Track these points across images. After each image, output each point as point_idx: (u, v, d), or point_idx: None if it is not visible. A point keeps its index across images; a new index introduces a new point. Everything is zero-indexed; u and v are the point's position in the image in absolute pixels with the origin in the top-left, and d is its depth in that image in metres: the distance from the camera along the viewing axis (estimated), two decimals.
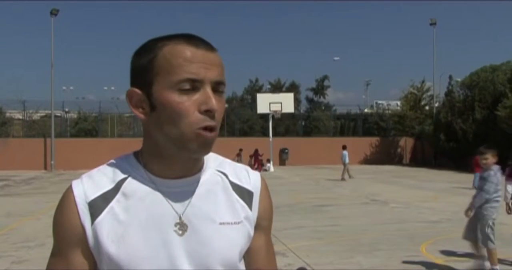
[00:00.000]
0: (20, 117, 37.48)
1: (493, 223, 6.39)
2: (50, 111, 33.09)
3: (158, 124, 1.15)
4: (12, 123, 37.03)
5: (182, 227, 1.17)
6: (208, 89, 1.13)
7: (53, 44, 32.24)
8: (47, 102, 33.33)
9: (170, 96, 1.12)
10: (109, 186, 1.19)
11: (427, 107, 38.52)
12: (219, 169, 1.28)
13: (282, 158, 35.18)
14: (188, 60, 1.12)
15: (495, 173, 6.47)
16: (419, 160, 36.42)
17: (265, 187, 1.33)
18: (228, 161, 1.33)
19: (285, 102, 31.14)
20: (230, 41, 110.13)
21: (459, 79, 34.25)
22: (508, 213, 7.29)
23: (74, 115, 39.69)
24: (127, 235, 1.14)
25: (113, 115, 38.60)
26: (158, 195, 1.18)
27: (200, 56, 1.13)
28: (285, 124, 40.53)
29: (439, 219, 10.90)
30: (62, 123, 37.33)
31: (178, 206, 1.19)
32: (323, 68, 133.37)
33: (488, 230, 6.36)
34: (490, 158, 6.63)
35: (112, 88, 75.93)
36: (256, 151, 30.90)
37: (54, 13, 32.08)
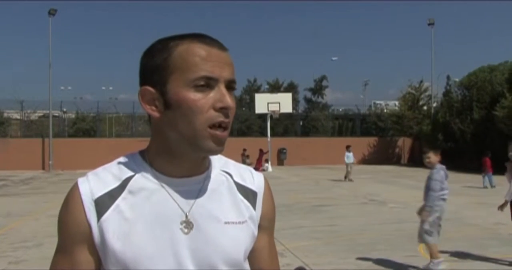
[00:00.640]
0: (18, 117, 37.41)
1: (439, 219, 6.46)
2: (48, 111, 33.08)
3: (173, 122, 1.16)
4: (10, 124, 36.93)
5: (188, 225, 1.18)
6: (223, 87, 1.15)
7: (51, 44, 32.23)
8: (45, 102, 33.32)
9: (185, 93, 1.13)
10: (115, 184, 1.19)
11: (425, 108, 38.54)
12: (224, 169, 1.30)
13: (280, 158, 35.18)
14: (204, 58, 1.14)
15: (438, 171, 6.53)
16: (417, 160, 36.37)
17: (268, 188, 1.35)
18: (232, 161, 1.35)
19: (283, 103, 31.14)
20: (229, 41, 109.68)
21: (457, 79, 34.28)
22: (499, 210, 7.30)
23: (72, 115, 39.61)
24: (133, 233, 1.15)
25: (111, 116, 38.58)
26: (164, 193, 1.19)
27: (215, 55, 1.16)
28: (283, 125, 40.52)
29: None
30: (60, 123, 37.27)
31: (184, 205, 1.19)
32: (321, 68, 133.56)
33: (427, 226, 6.43)
34: (432, 157, 6.68)
35: (110, 88, 76.12)
36: (261, 150, 30.87)
37: (52, 13, 32.03)
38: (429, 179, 6.60)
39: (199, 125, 1.13)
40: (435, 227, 6.48)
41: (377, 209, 12.81)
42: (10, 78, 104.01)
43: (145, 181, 1.20)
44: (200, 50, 1.15)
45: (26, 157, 30.78)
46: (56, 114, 36.96)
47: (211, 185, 1.24)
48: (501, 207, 7.30)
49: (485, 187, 18.34)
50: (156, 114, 1.18)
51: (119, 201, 1.17)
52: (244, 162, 29.53)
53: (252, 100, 36.10)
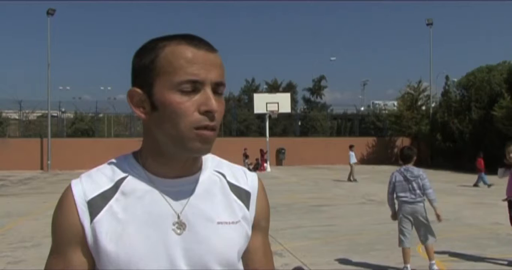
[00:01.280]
0: (17, 117, 37.37)
1: (402, 220, 6.51)
2: (46, 111, 33.03)
3: (159, 124, 1.16)
4: (8, 124, 36.92)
5: (180, 226, 1.18)
6: (208, 90, 1.14)
7: (49, 44, 32.22)
8: (44, 102, 33.26)
9: (171, 96, 1.13)
10: (108, 185, 1.19)
11: (423, 108, 38.55)
12: (217, 170, 1.29)
13: (279, 158, 35.16)
14: (189, 61, 1.13)
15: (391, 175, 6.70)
16: (416, 160, 36.40)
17: (262, 188, 1.34)
18: (226, 162, 1.35)
19: (282, 103, 31.12)
20: (227, 41, 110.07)
21: (455, 80, 34.32)
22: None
23: (70, 115, 39.59)
24: (126, 234, 1.15)
25: (109, 115, 38.58)
26: (157, 194, 1.19)
27: (201, 57, 1.14)
28: (282, 125, 40.52)
29: (435, 219, 10.89)
30: (59, 123, 37.23)
31: (177, 205, 1.19)
32: (320, 68, 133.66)
33: (398, 229, 6.57)
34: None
35: (109, 88, 76.08)
36: (262, 150, 30.87)
37: (50, 13, 31.99)
38: None
39: (184, 128, 1.13)
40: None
41: (376, 209, 12.81)
42: (9, 78, 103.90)
43: (137, 182, 1.20)
44: (186, 52, 1.14)
45: (24, 157, 30.74)
46: (55, 114, 36.93)
47: (203, 185, 1.24)
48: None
49: (476, 186, 18.58)
50: (143, 116, 1.19)
51: (112, 202, 1.17)
52: (244, 163, 29.53)
53: (251, 100, 36.07)
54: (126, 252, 1.14)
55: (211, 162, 1.30)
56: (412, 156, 6.71)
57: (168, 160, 1.20)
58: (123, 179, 1.20)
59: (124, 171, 1.22)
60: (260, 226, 1.31)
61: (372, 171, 27.50)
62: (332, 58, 68.75)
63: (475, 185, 18.82)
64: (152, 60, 1.16)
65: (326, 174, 26.15)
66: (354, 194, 16.38)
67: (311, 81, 50.59)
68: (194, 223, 1.19)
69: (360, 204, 13.90)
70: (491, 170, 23.98)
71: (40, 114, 38.18)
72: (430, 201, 6.44)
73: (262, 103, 31.09)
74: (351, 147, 22.10)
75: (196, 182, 1.24)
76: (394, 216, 6.70)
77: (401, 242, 6.50)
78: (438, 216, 6.51)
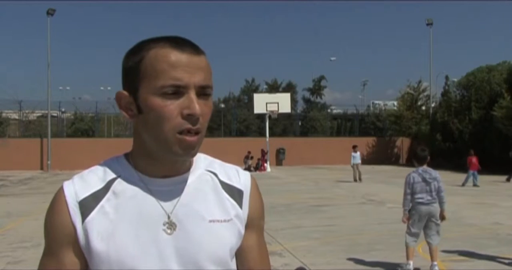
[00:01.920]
0: (17, 117, 37.39)
1: (416, 220, 6.57)
2: (46, 111, 33.04)
3: (145, 126, 1.17)
4: (8, 124, 36.92)
5: (170, 226, 1.18)
6: (192, 94, 1.13)
7: (49, 44, 32.26)
8: (44, 102, 33.28)
9: (154, 100, 1.13)
10: (99, 185, 1.20)
11: (423, 108, 38.58)
12: (208, 169, 1.30)
13: (279, 158, 35.16)
14: (172, 65, 1.13)
15: (407, 176, 6.71)
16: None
17: (255, 186, 1.34)
18: (218, 161, 1.35)
19: (282, 103, 31.12)
20: (227, 41, 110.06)
21: (455, 80, 34.34)
22: None
23: (70, 115, 39.60)
24: (117, 233, 1.16)
25: (109, 115, 38.60)
26: (148, 194, 1.20)
27: (185, 60, 1.14)
28: (282, 125, 40.55)
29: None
30: (59, 123, 37.25)
31: (167, 205, 1.20)
32: (319, 68, 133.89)
33: (408, 228, 6.65)
34: None
35: (109, 88, 75.72)
36: (263, 150, 30.89)
37: (50, 13, 32.00)
38: None
39: (167, 132, 1.13)
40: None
41: (376, 209, 12.82)
42: (9, 78, 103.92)
43: (129, 182, 1.21)
44: (169, 55, 1.14)
45: (24, 157, 30.75)
46: (55, 115, 36.93)
47: (194, 184, 1.24)
48: None
49: (475, 185, 18.57)
50: (130, 118, 1.20)
51: (103, 202, 1.18)
52: (245, 163, 29.52)
53: (251, 101, 36.10)
54: (117, 251, 1.14)
55: (203, 162, 1.30)
56: (427, 157, 6.74)
57: (157, 160, 1.20)
58: (114, 179, 1.21)
59: (115, 171, 1.23)
60: (254, 224, 1.31)
61: (372, 171, 27.49)
62: (332, 58, 68.93)
63: (475, 185, 18.86)
64: (137, 63, 1.17)
65: (326, 174, 26.15)
66: (354, 194, 16.38)
67: (311, 81, 50.70)
68: (185, 222, 1.19)
69: (360, 204, 13.90)
70: (492, 169, 24.03)
71: (40, 114, 38.18)
72: (441, 203, 6.56)
73: (262, 103, 31.09)
74: (354, 147, 21.78)
75: (186, 181, 1.24)
76: (406, 219, 6.67)
77: (409, 241, 6.57)
78: (443, 217, 6.64)
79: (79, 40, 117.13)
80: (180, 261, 1.17)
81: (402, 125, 37.27)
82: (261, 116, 34.23)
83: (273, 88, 46.84)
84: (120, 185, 1.20)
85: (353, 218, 11.27)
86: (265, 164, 30.33)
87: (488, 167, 25.92)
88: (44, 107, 33.63)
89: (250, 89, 47.76)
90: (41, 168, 31.40)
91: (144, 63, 1.15)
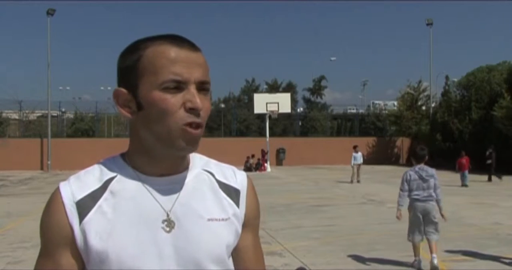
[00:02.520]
0: (17, 117, 37.41)
1: (414, 217, 6.79)
2: (46, 112, 33.06)
3: (146, 123, 1.17)
4: (8, 124, 36.95)
5: (169, 224, 1.18)
6: (193, 88, 1.15)
7: (49, 44, 32.28)
8: (44, 102, 33.31)
9: (155, 95, 1.14)
10: (96, 185, 1.20)
11: (423, 108, 38.60)
12: (205, 168, 1.30)
13: (279, 158, 35.18)
14: (172, 60, 1.14)
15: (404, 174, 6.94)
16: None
17: (251, 186, 1.34)
18: (214, 161, 1.35)
19: (282, 103, 31.14)
20: (227, 41, 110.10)
21: (455, 80, 34.37)
22: None
23: (70, 115, 39.64)
24: (115, 232, 1.15)
25: (109, 115, 38.63)
26: (146, 193, 1.20)
27: (183, 56, 1.15)
28: (282, 125, 40.57)
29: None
30: (59, 123, 37.28)
31: (166, 203, 1.20)
32: (320, 68, 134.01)
33: (409, 225, 6.84)
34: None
35: (109, 88, 75.66)
36: (263, 150, 30.91)
37: (50, 13, 32.02)
38: None
39: (171, 125, 1.14)
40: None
41: (376, 209, 12.81)
42: (9, 78, 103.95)
43: (126, 181, 1.20)
44: (169, 52, 1.15)
45: (24, 157, 30.76)
46: (55, 115, 36.96)
47: (192, 183, 1.25)
48: None
49: (465, 185, 18.61)
50: (129, 116, 1.20)
51: (101, 202, 1.18)
52: (246, 163, 29.50)
53: (251, 100, 36.12)
54: (116, 251, 1.14)
55: (199, 161, 1.30)
56: (426, 156, 6.94)
57: (155, 158, 1.20)
58: (111, 178, 1.21)
59: (112, 171, 1.22)
60: (250, 224, 1.32)
61: (372, 171, 27.49)
62: (332, 58, 69.17)
63: (464, 185, 18.93)
64: (135, 61, 1.17)
65: (326, 174, 26.15)
66: (354, 194, 16.38)
67: (311, 81, 50.76)
68: (183, 220, 1.19)
69: (360, 204, 13.90)
70: (489, 169, 24.01)
71: (40, 114, 38.22)
72: (437, 201, 6.76)
73: (262, 103, 31.11)
74: (355, 148, 21.52)
75: (184, 179, 1.24)
76: (400, 214, 6.96)
77: (412, 238, 6.77)
78: (443, 216, 6.87)
79: (79, 40, 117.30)
80: (179, 259, 1.17)
81: (402, 125, 37.29)
82: (261, 116, 34.26)
83: (273, 88, 46.86)
84: (117, 184, 1.20)
85: (353, 218, 11.27)
86: (265, 164, 30.35)
87: (488, 167, 25.92)
88: (44, 107, 33.66)
89: (250, 89, 47.78)
90: (41, 168, 31.41)
91: (142, 61, 1.16)
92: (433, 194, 6.71)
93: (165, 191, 1.21)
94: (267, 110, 30.89)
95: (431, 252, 6.64)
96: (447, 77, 36.00)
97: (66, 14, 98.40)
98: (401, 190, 6.86)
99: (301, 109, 48.44)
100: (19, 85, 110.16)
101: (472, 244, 8.23)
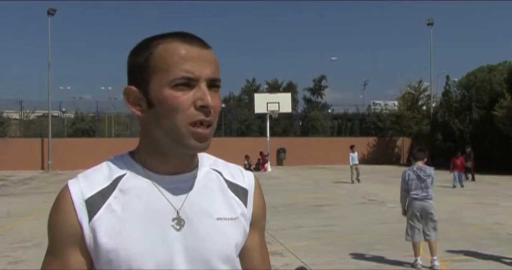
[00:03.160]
0: (17, 117, 37.41)
1: (412, 216, 6.87)
2: (47, 111, 33.08)
3: (156, 120, 1.17)
4: (9, 123, 36.96)
5: (179, 222, 1.18)
6: (203, 86, 1.15)
7: (50, 44, 32.26)
8: (44, 102, 33.33)
9: (167, 92, 1.14)
10: (105, 183, 1.19)
11: (424, 107, 38.58)
12: (213, 168, 1.30)
13: (280, 158, 35.18)
14: (183, 58, 1.14)
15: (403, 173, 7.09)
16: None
17: (258, 186, 1.35)
18: (221, 160, 1.35)
19: (283, 102, 31.15)
20: (227, 41, 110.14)
21: (456, 79, 34.30)
22: None
23: (71, 115, 39.64)
24: (125, 231, 1.15)
25: (110, 115, 38.62)
26: (155, 191, 1.19)
27: (195, 53, 1.15)
28: (282, 124, 40.54)
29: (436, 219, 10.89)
30: (59, 123, 37.26)
31: (175, 202, 1.20)
32: (320, 68, 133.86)
33: (407, 225, 6.92)
34: None
35: (109, 88, 75.88)
36: (262, 153, 30.93)
37: (51, 13, 32.03)
38: None
39: (180, 123, 1.13)
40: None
41: (376, 209, 12.82)
42: (9, 78, 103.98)
43: (135, 179, 1.20)
44: (179, 49, 1.15)
45: (25, 157, 30.76)
46: (55, 114, 36.94)
47: (201, 182, 1.25)
48: None
49: (455, 186, 18.52)
50: (139, 114, 1.20)
51: (110, 200, 1.17)
52: (244, 166, 29.50)
53: (251, 100, 36.11)
54: (125, 249, 1.14)
55: (207, 161, 1.31)
56: (424, 156, 7.14)
57: (165, 157, 1.20)
58: (121, 176, 1.20)
59: (121, 169, 1.22)
60: (257, 224, 1.32)
61: (372, 171, 27.49)
62: (333, 58, 68.96)
63: (461, 185, 18.79)
64: (146, 58, 1.17)
65: (326, 174, 26.15)
66: (354, 194, 16.38)
67: (311, 81, 50.72)
68: (193, 219, 1.19)
69: (360, 204, 13.90)
70: (493, 169, 23.99)
71: (40, 114, 38.21)
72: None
73: (263, 103, 31.12)
74: (352, 147, 21.33)
75: (194, 178, 1.24)
76: (405, 212, 7.05)
77: (411, 237, 6.84)
78: None
79: (79, 40, 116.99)
80: (189, 258, 1.17)
81: (403, 125, 37.28)
82: (261, 116, 34.25)
83: (273, 88, 46.82)
84: (127, 182, 1.20)
85: (353, 218, 11.27)
86: (266, 164, 30.35)
87: (489, 167, 25.92)
88: (44, 107, 33.69)
89: (251, 89, 47.75)
90: (42, 168, 31.42)
91: (153, 58, 1.16)
92: (432, 193, 6.86)
93: (175, 189, 1.21)
94: (267, 110, 30.90)
95: (432, 255, 6.67)
96: (447, 77, 35.95)
97: (66, 14, 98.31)
98: (401, 189, 7.03)
99: (302, 109, 48.43)
100: (20, 85, 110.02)
101: (472, 244, 8.22)
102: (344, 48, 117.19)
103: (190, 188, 1.22)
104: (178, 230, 1.17)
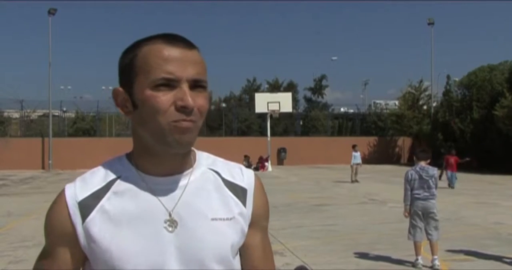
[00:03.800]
0: (18, 116, 37.42)
1: (414, 215, 6.92)
2: (48, 111, 33.10)
3: (141, 122, 1.18)
4: (10, 123, 36.96)
5: (172, 223, 1.19)
6: (185, 87, 1.15)
7: (50, 44, 32.28)
8: (45, 101, 33.36)
9: (147, 93, 1.15)
10: (99, 185, 1.21)
11: (425, 107, 38.55)
12: (211, 167, 1.30)
13: (280, 158, 35.17)
14: (164, 59, 1.15)
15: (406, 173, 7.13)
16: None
17: (259, 184, 1.34)
18: (221, 159, 1.35)
19: (283, 102, 31.14)
20: (228, 41, 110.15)
21: (457, 79, 34.29)
22: None
23: (72, 114, 39.64)
24: (118, 232, 1.16)
25: (111, 115, 38.58)
26: (148, 193, 1.20)
27: (177, 54, 1.16)
28: (283, 124, 40.53)
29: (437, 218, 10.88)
30: (60, 122, 37.28)
31: (168, 203, 1.20)
32: (321, 68, 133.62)
33: (409, 224, 6.99)
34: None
35: (110, 87, 75.58)
36: (261, 157, 30.95)
37: (51, 12, 32.05)
38: None
39: (162, 122, 1.14)
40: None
41: (377, 208, 12.82)
42: (10, 78, 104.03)
43: (129, 181, 1.21)
44: (162, 50, 1.16)
45: (25, 157, 30.77)
46: (56, 114, 36.96)
47: (196, 183, 1.24)
48: None
49: (452, 187, 18.00)
50: (127, 114, 1.21)
51: (103, 201, 1.19)
52: (244, 164, 29.53)
53: (252, 100, 36.10)
54: (118, 250, 1.15)
55: (205, 160, 1.30)
56: (428, 157, 7.18)
57: (156, 157, 1.21)
58: (115, 179, 1.22)
59: (116, 171, 1.23)
60: (258, 223, 1.31)
61: (373, 170, 27.48)
62: (334, 58, 68.71)
63: (452, 186, 18.08)
64: (131, 60, 1.19)
65: (327, 174, 26.14)
66: (355, 194, 16.38)
67: (312, 81, 50.63)
68: (186, 220, 1.20)
69: (361, 204, 13.90)
70: (493, 169, 23.99)
71: (41, 113, 38.24)
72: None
73: (263, 103, 31.11)
74: (354, 147, 21.42)
75: (188, 179, 1.24)
76: (407, 213, 7.06)
77: (412, 236, 6.87)
78: None
79: (80, 40, 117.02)
80: (182, 259, 1.17)
81: (403, 125, 37.25)
82: (262, 116, 34.22)
83: (274, 87, 46.81)
84: (120, 184, 1.21)
85: (354, 217, 11.27)
86: (266, 163, 30.35)
87: (489, 166, 25.92)
88: (45, 106, 33.70)
89: (252, 89, 47.73)
90: (43, 167, 31.43)
91: (137, 60, 1.17)
92: (435, 192, 6.89)
93: (168, 191, 1.21)
94: (268, 109, 30.89)
95: (433, 254, 6.71)
96: (448, 77, 35.91)
97: (67, 14, 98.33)
98: (405, 189, 7.04)
99: (302, 108, 48.39)
100: (21, 85, 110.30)
101: (473, 243, 8.22)
102: (344, 48, 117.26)
103: (183, 188, 1.22)
104: (170, 231, 1.18)
